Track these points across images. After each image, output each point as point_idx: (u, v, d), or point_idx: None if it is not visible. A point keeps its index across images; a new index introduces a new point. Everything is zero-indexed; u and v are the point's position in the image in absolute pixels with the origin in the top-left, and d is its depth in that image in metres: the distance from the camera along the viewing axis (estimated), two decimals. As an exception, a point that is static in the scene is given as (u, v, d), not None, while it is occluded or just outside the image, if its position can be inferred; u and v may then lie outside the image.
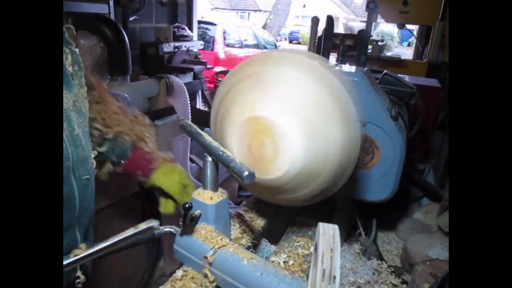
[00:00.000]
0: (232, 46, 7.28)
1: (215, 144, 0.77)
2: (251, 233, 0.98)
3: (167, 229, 0.81)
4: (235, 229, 0.98)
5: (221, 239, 0.76)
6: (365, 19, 2.83)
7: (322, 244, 0.56)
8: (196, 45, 3.88)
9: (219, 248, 0.75)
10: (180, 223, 0.76)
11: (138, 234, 0.67)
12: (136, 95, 2.03)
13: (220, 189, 0.82)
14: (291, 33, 20.88)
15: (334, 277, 0.53)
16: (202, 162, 0.83)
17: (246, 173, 0.67)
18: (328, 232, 0.58)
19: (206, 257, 0.74)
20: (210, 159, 0.78)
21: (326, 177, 0.80)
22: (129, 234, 0.67)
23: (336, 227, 0.59)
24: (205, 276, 0.76)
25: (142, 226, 0.68)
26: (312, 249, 0.94)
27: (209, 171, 0.79)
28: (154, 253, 2.01)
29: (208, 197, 0.79)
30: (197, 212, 0.78)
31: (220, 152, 0.74)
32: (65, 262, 0.58)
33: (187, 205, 0.71)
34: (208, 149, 0.77)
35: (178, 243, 0.81)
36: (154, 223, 0.69)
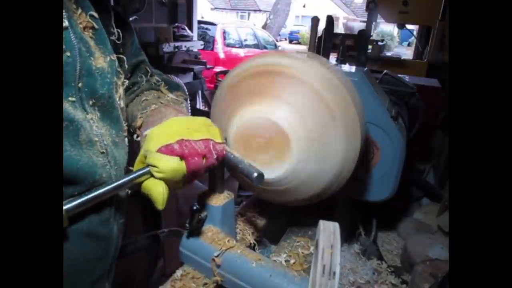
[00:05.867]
0: (232, 46, 7.28)
1: None
2: (251, 233, 0.98)
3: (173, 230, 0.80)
4: (236, 230, 0.98)
5: (228, 241, 0.76)
6: (365, 19, 2.83)
7: (322, 240, 0.56)
8: (196, 45, 3.89)
9: (226, 249, 0.75)
10: (187, 225, 0.74)
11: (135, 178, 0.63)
12: (136, 95, 2.02)
13: (226, 191, 0.81)
14: (291, 33, 20.88)
15: (334, 273, 0.53)
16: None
17: (255, 174, 0.65)
18: (328, 229, 0.58)
19: (214, 259, 0.74)
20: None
21: (325, 177, 0.80)
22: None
23: (336, 224, 0.59)
24: (214, 277, 0.75)
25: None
26: (312, 248, 0.94)
27: (215, 173, 0.78)
28: (154, 253, 2.01)
29: (214, 199, 0.78)
30: (203, 214, 0.76)
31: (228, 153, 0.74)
32: (65, 207, 0.50)
33: (194, 208, 0.70)
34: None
35: (184, 245, 0.80)
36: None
